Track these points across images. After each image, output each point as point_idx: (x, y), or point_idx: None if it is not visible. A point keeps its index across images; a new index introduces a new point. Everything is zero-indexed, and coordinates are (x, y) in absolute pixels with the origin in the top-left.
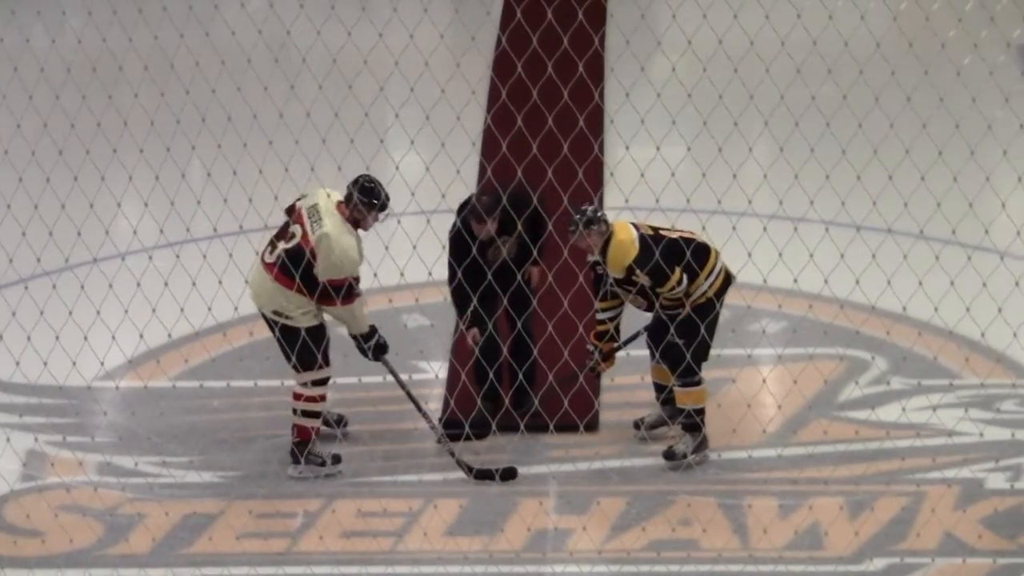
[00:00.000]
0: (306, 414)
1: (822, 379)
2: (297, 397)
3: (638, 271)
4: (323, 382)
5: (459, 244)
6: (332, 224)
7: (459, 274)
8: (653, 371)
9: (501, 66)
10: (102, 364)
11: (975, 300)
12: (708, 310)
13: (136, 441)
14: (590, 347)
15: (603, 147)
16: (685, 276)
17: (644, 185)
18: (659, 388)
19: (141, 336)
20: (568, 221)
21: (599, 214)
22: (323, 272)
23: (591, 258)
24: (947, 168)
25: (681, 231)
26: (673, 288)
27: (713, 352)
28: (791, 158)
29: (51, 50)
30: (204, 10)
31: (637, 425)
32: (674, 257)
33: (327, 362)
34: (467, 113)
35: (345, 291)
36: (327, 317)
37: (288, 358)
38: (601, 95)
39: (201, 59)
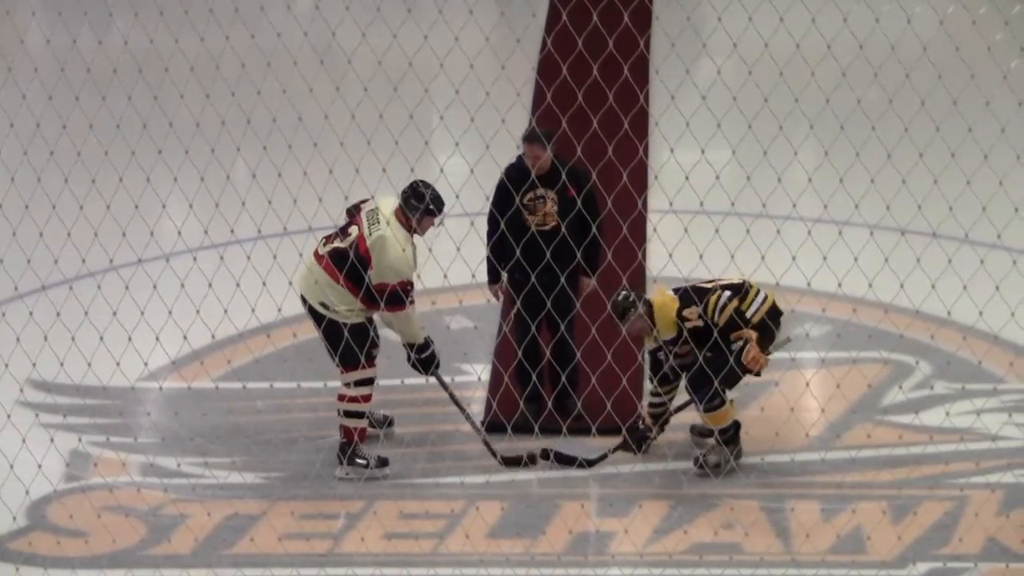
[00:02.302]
0: (349, 415)
1: (866, 383)
2: (341, 398)
3: (685, 312)
4: (367, 383)
5: (502, 191)
6: (389, 228)
7: (498, 227)
8: None
9: (546, 68)
10: (146, 365)
11: (1020, 305)
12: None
13: (179, 442)
14: (641, 426)
15: (648, 150)
16: (726, 293)
17: (688, 188)
18: None
19: (185, 337)
20: (620, 306)
21: (631, 298)
22: (376, 275)
23: (650, 345)
24: (992, 172)
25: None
26: (717, 302)
27: None
28: (836, 162)
29: (98, 51)
30: (250, 12)
31: (693, 430)
32: (707, 290)
33: (371, 363)
34: (512, 116)
35: (391, 297)
36: (376, 318)
37: (333, 357)
38: (646, 98)
39: (247, 61)
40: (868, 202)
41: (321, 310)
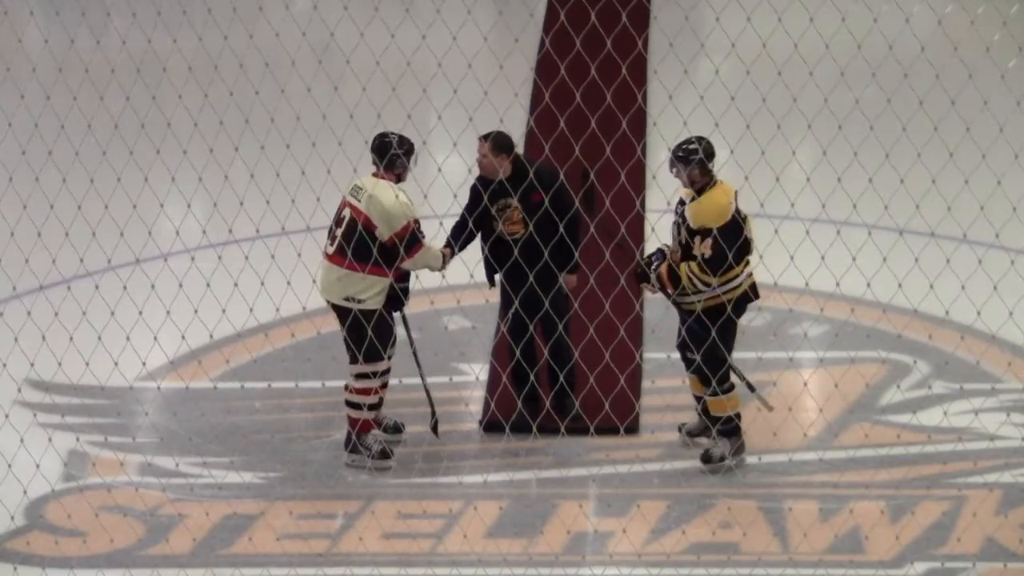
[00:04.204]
0: (357, 406)
1: (863, 383)
2: (352, 389)
3: (707, 240)
4: (384, 374)
5: (472, 190)
6: (373, 186)
7: (468, 219)
8: (691, 383)
9: (544, 68)
10: (144, 364)
11: (1018, 305)
12: (720, 314)
13: (177, 441)
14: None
15: (646, 150)
16: (749, 270)
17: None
18: (699, 399)
19: (183, 337)
20: (686, 147)
21: (714, 154)
22: (386, 228)
23: (681, 194)
24: (991, 171)
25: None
26: (703, 277)
27: (754, 355)
28: (834, 161)
29: (95, 51)
30: (248, 12)
31: (680, 429)
32: (739, 250)
33: (389, 357)
34: (510, 115)
35: (409, 241)
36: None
37: (355, 352)
38: (644, 98)
39: (245, 61)
40: (866, 202)
41: (346, 304)
